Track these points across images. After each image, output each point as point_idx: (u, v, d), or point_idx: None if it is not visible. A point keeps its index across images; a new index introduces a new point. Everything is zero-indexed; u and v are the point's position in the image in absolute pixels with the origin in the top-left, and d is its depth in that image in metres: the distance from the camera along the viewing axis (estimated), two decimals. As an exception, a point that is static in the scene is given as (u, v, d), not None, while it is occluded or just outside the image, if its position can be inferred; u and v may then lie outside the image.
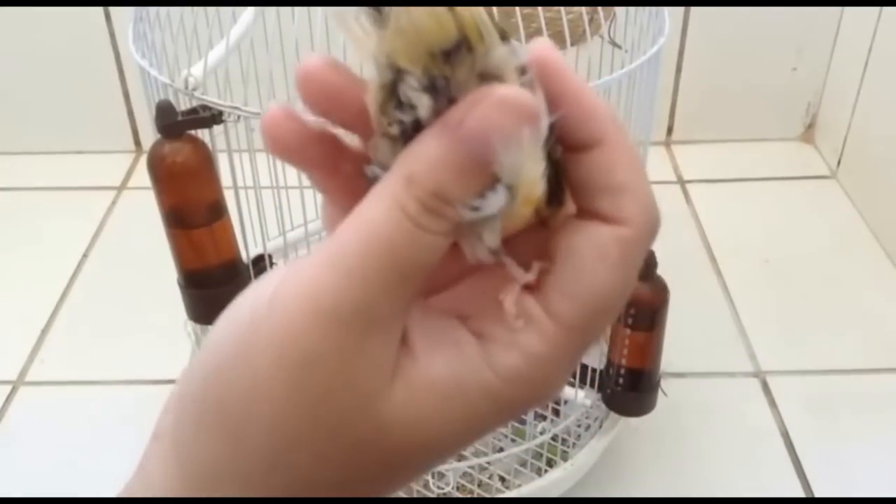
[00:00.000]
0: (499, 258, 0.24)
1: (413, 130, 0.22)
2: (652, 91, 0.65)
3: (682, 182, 1.17)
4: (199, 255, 0.60)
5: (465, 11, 0.21)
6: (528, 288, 0.23)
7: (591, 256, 0.23)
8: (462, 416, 0.22)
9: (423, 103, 0.21)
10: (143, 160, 0.72)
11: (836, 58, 1.18)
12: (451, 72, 0.21)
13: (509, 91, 0.21)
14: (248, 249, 0.66)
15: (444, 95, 0.21)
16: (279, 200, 0.69)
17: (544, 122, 0.22)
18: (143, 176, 0.63)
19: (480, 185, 0.22)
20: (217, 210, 0.60)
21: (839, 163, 1.17)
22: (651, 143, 0.72)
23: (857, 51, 1.11)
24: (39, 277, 1.00)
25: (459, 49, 0.21)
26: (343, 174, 0.24)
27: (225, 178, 0.61)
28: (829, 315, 0.94)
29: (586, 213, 0.23)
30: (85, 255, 1.04)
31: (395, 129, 0.22)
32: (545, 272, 0.23)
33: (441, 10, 0.21)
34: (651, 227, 0.23)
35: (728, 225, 1.08)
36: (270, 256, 0.74)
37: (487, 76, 0.21)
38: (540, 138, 0.22)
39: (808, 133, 1.25)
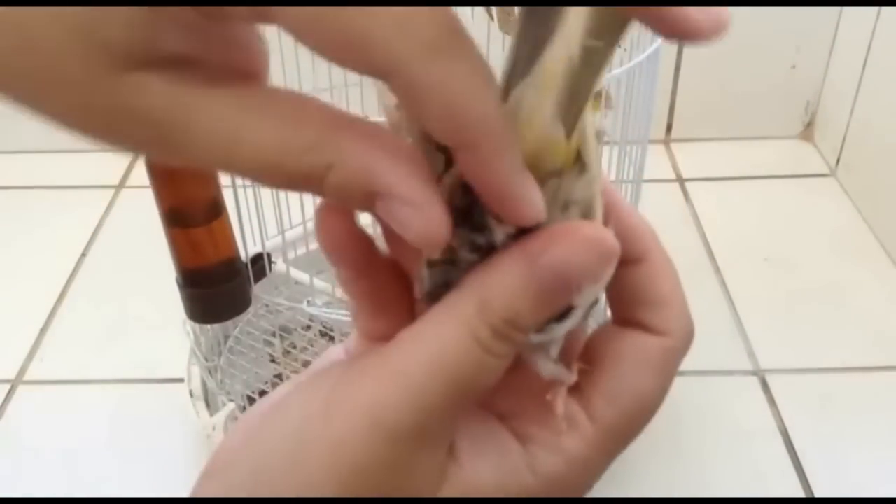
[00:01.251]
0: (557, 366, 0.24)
1: (479, 252, 0.22)
2: (651, 89, 0.65)
3: (681, 180, 1.17)
4: (197, 254, 0.60)
5: (573, 143, 0.20)
6: (568, 389, 0.24)
7: (637, 364, 0.24)
8: None
9: (504, 227, 0.21)
10: (142, 159, 0.72)
11: (835, 56, 1.18)
12: None
13: (596, 231, 0.21)
14: (247, 248, 0.66)
15: None
16: (278, 199, 0.69)
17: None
18: (141, 175, 0.63)
19: (554, 314, 0.22)
20: (215, 209, 0.60)
21: (838, 161, 1.17)
22: (650, 142, 0.72)
23: (856, 49, 1.11)
24: (38, 276, 1.00)
25: (552, 174, 0.21)
26: (374, 278, 0.24)
27: (223, 177, 0.61)
28: (829, 313, 0.94)
29: (628, 321, 0.25)
30: (84, 254, 1.04)
31: (465, 252, 0.22)
32: (583, 374, 0.24)
33: (557, 139, 0.20)
34: (689, 337, 0.25)
35: (727, 223, 1.08)
36: (269, 255, 0.74)
37: (570, 203, 0.21)
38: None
39: (808, 131, 1.25)
